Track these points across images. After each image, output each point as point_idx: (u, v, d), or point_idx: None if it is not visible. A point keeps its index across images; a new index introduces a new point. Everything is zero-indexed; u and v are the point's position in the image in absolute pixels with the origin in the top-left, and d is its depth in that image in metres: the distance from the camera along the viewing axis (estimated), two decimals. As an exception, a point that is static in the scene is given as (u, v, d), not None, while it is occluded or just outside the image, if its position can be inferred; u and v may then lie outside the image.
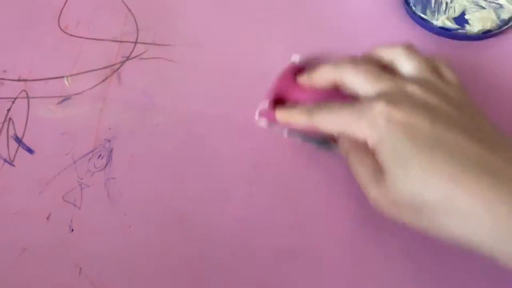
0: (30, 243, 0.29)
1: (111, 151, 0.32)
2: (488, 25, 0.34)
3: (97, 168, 0.32)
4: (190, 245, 0.29)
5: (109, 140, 0.33)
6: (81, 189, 0.31)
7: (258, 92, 0.34)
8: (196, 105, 0.34)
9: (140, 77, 0.36)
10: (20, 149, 0.33)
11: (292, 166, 0.31)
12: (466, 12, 0.35)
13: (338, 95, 0.28)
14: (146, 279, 0.28)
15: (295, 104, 0.30)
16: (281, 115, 0.30)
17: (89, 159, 0.32)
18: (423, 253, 0.29)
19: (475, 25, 0.34)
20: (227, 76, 0.35)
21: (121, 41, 0.37)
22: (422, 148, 0.23)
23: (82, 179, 0.31)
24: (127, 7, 0.39)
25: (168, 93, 0.35)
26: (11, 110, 0.35)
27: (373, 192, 0.25)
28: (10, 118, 0.34)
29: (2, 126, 0.34)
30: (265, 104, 0.31)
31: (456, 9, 0.35)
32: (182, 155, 0.32)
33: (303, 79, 0.30)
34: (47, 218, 0.30)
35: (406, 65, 0.27)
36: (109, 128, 0.33)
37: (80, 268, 0.29)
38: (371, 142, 0.25)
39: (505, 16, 0.34)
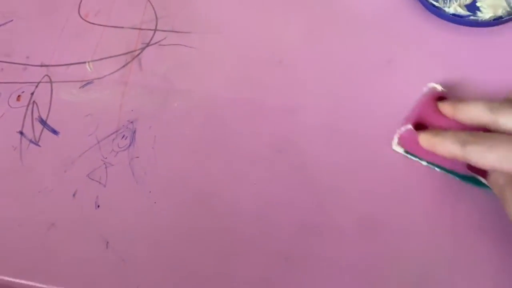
0: (58, 218, 0.30)
1: (134, 132, 0.33)
2: (499, 12, 0.35)
3: (121, 148, 0.33)
4: (214, 220, 0.30)
5: (132, 122, 0.34)
6: (106, 167, 0.32)
7: (274, 77, 0.35)
8: (215, 88, 0.35)
9: (160, 63, 0.36)
10: (45, 130, 0.34)
11: (310, 146, 0.32)
12: None
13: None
14: (172, 252, 0.29)
15: (441, 130, 0.28)
16: (426, 140, 0.28)
17: (113, 140, 0.33)
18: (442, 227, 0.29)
19: (486, 12, 0.35)
20: (244, 62, 0.36)
21: (140, 29, 0.38)
22: None
23: (106, 158, 0.32)
24: (146, -4, 0.40)
25: (187, 78, 0.36)
26: (34, 94, 0.35)
27: None
28: (34, 101, 0.35)
29: (27, 109, 0.35)
30: (405, 129, 0.29)
31: (467, -3, 0.36)
32: (203, 136, 0.33)
33: (447, 109, 0.29)
34: (73, 195, 0.31)
35: None
36: (132, 110, 0.34)
37: (107, 242, 0.29)
38: None
39: (515, 3, 0.35)
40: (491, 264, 0.28)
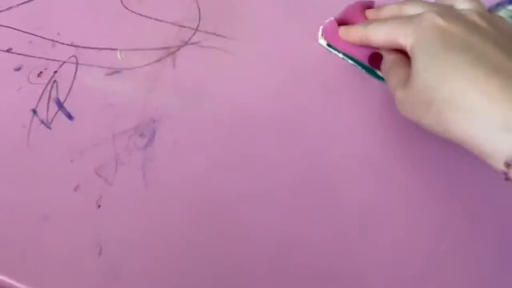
0: (53, 211, 0.27)
1: (155, 132, 0.30)
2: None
3: (137, 147, 0.30)
4: (222, 244, 0.27)
5: (154, 121, 0.31)
6: (116, 165, 0.29)
7: (311, 96, 0.32)
8: (248, 99, 0.32)
9: (195, 64, 0.34)
10: (59, 113, 0.31)
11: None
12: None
13: None
14: (168, 271, 0.26)
15: None
16: (342, 30, 0.32)
17: (130, 136, 0.30)
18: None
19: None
20: (282, 76, 0.33)
21: (181, 26, 0.36)
22: (450, 49, 0.25)
23: (118, 155, 0.29)
24: (193, -7, 0.38)
25: (221, 84, 0.33)
26: (57, 73, 0.33)
27: (399, 93, 0.27)
28: (55, 81, 0.32)
29: (45, 87, 0.32)
30: (328, 21, 0.33)
31: None
32: (227, 147, 0.30)
33: (370, 13, 0.33)
34: (75, 189, 0.28)
35: (463, 5, 0.29)
36: (156, 109, 0.31)
37: (101, 248, 0.26)
38: (410, 45, 0.27)
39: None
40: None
